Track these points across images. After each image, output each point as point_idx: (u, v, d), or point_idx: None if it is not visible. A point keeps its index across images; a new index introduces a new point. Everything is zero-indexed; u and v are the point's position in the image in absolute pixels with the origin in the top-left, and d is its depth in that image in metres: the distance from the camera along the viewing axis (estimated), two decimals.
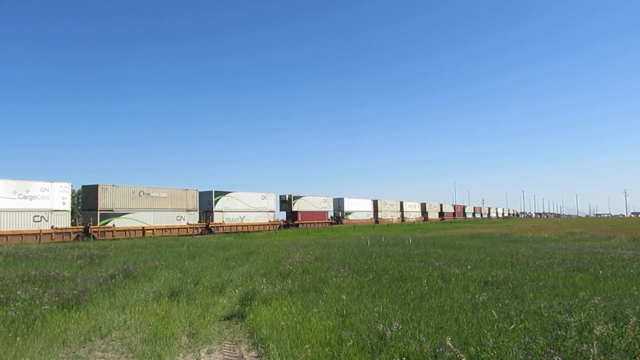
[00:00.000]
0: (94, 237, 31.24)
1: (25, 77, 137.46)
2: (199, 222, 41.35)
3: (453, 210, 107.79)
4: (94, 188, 33.53)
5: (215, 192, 43.08)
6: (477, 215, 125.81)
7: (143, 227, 35.43)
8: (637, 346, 4.52)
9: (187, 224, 39.36)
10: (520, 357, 4.28)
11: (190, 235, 37.05)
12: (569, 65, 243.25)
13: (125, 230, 34.08)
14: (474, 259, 13.15)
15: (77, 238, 30.69)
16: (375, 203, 72.91)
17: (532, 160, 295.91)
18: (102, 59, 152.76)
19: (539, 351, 4.41)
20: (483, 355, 4.43)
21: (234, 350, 5.70)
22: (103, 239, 30.12)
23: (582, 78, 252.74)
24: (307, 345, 5.13)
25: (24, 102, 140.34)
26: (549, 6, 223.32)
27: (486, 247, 19.21)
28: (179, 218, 38.86)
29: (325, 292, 8.28)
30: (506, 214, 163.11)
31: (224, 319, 7.20)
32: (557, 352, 4.32)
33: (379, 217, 72.24)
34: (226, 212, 43.78)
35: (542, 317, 5.81)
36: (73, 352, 5.50)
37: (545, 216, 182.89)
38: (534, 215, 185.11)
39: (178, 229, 38.18)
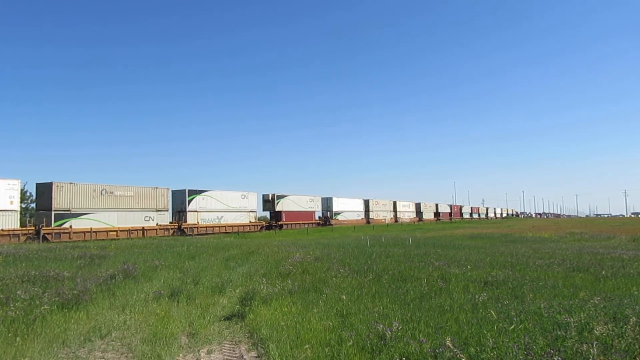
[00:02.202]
0: (46, 239, 29.11)
1: (23, 77, 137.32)
2: (171, 222, 39.26)
3: (449, 211, 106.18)
4: (48, 186, 31.01)
5: (189, 190, 40.79)
6: (475, 216, 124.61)
7: (105, 229, 33.08)
8: (637, 346, 4.52)
9: (157, 224, 37.10)
10: (520, 357, 4.28)
11: (160, 237, 34.55)
12: (569, 65, 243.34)
13: (83, 232, 31.52)
14: (473, 259, 13.15)
15: (27, 240, 28.36)
16: (366, 203, 71.07)
17: (532, 160, 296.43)
18: (99, 59, 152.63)
19: (539, 351, 4.41)
20: (483, 355, 4.43)
21: (233, 351, 5.71)
22: (58, 241, 27.99)
23: (582, 78, 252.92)
24: (307, 346, 5.14)
25: (24, 102, 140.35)
26: (549, 6, 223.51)
27: (486, 248, 19.21)
28: (147, 218, 36.50)
29: (325, 292, 8.28)
30: (505, 214, 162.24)
31: (224, 319, 7.20)
32: (557, 353, 4.32)
33: (370, 217, 70.55)
34: (201, 212, 41.52)
35: (542, 318, 5.81)
36: (73, 352, 5.50)
37: (545, 216, 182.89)
38: (534, 216, 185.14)
39: (146, 230, 35.75)
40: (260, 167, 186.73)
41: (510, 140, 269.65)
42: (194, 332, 6.41)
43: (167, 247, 19.71)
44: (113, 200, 34.37)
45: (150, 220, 36.94)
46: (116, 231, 33.66)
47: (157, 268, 12.12)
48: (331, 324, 6.00)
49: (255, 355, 5.47)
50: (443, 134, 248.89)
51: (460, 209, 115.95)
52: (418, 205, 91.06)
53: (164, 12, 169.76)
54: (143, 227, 35.80)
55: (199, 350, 5.70)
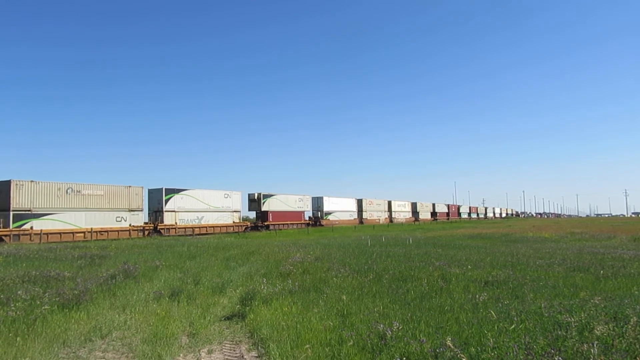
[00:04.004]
0: (3, 241, 27.36)
1: (21, 77, 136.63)
2: (147, 223, 37.31)
3: (447, 210, 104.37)
4: (6, 184, 28.89)
5: (166, 189, 38.60)
6: (473, 216, 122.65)
7: (71, 230, 31.14)
8: (637, 346, 4.52)
9: (130, 225, 35.16)
10: (521, 357, 4.27)
11: (134, 238, 32.70)
12: (569, 65, 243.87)
13: (47, 234, 29.41)
14: (474, 259, 13.14)
15: None
16: (359, 202, 68.64)
17: (532, 160, 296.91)
18: (97, 59, 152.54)
19: (540, 351, 4.41)
20: (483, 355, 4.43)
21: (234, 350, 5.70)
22: (17, 243, 26.11)
23: (582, 78, 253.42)
24: (308, 345, 5.14)
25: (24, 102, 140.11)
26: (549, 6, 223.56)
27: (486, 247, 19.20)
28: (119, 219, 34.52)
29: (326, 292, 8.29)
30: (504, 214, 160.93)
31: (225, 319, 7.20)
32: (557, 352, 4.32)
33: (364, 217, 68.59)
34: (180, 212, 39.38)
35: (542, 317, 5.81)
36: (73, 352, 5.50)
37: (545, 216, 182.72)
38: (534, 215, 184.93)
39: (117, 231, 33.78)
40: (254, 168, 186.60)
41: (511, 140, 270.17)
42: (194, 332, 6.41)
43: (168, 247, 19.73)
44: (80, 200, 32.31)
45: (123, 220, 34.95)
46: (83, 232, 31.75)
47: (158, 268, 12.13)
48: (332, 323, 6.00)
49: (256, 355, 5.47)
50: (443, 134, 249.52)
51: (458, 209, 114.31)
52: (414, 205, 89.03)
53: (157, 13, 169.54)
54: (116, 229, 34.01)
55: (199, 350, 5.70)
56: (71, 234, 30.85)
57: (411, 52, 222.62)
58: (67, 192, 31.65)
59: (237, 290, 9.14)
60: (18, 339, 5.58)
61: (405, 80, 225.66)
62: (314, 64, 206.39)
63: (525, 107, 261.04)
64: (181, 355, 5.53)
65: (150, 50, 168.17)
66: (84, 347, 5.71)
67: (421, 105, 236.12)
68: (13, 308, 6.75)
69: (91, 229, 32.21)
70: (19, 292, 7.91)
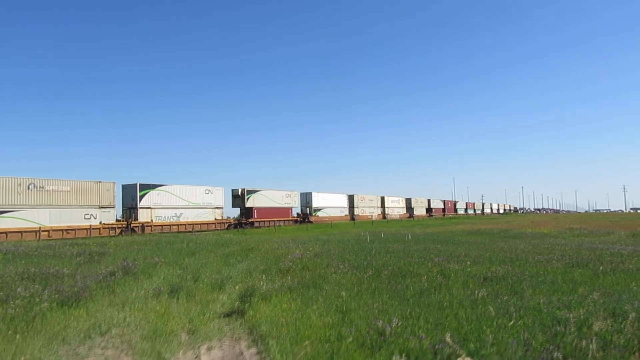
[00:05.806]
0: None
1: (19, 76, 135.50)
2: (119, 220, 35.82)
3: (442, 206, 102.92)
4: None
5: (140, 185, 36.90)
6: (470, 212, 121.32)
7: (34, 228, 29.61)
8: (635, 342, 4.53)
9: (100, 223, 33.47)
10: (520, 353, 4.29)
11: (104, 237, 30.89)
12: (568, 61, 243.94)
13: (6, 232, 27.92)
14: (473, 255, 13.16)
15: None
16: (351, 198, 67.01)
17: (531, 157, 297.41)
18: (95, 56, 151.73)
19: (538, 347, 4.42)
20: (482, 351, 4.44)
21: (233, 347, 5.71)
22: None
23: (581, 74, 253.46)
24: (307, 342, 5.14)
25: (22, 100, 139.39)
26: (547, 2, 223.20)
27: (485, 243, 19.22)
28: (88, 216, 32.79)
29: (325, 288, 8.29)
30: (502, 210, 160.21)
31: (224, 316, 7.21)
32: (556, 348, 4.33)
33: (355, 213, 66.68)
34: (156, 208, 37.57)
35: (541, 313, 5.82)
36: (73, 350, 5.50)
37: (544, 212, 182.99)
38: (533, 211, 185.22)
39: (86, 229, 32.11)
40: (248, 165, 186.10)
41: (510, 137, 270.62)
42: (194, 328, 6.42)
43: (167, 244, 19.73)
44: (44, 196, 30.59)
45: (92, 218, 33.15)
46: (48, 231, 30.22)
47: (157, 265, 12.13)
48: (331, 320, 6.01)
49: (255, 351, 5.48)
50: (441, 130, 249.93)
51: (455, 205, 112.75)
52: (408, 201, 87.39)
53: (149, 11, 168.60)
54: (84, 227, 32.48)
55: (199, 347, 5.70)
56: (34, 233, 29.40)
57: (409, 49, 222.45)
58: (28, 188, 29.90)
59: (237, 287, 9.14)
60: (17, 336, 5.57)
61: (403, 77, 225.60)
62: (312, 62, 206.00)
63: (524, 103, 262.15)
64: (181, 352, 5.53)
65: (141, 48, 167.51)
66: (84, 344, 5.71)
67: (419, 102, 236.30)
68: (12, 305, 6.74)
69: (54, 227, 30.77)
70: (18, 289, 7.90)
